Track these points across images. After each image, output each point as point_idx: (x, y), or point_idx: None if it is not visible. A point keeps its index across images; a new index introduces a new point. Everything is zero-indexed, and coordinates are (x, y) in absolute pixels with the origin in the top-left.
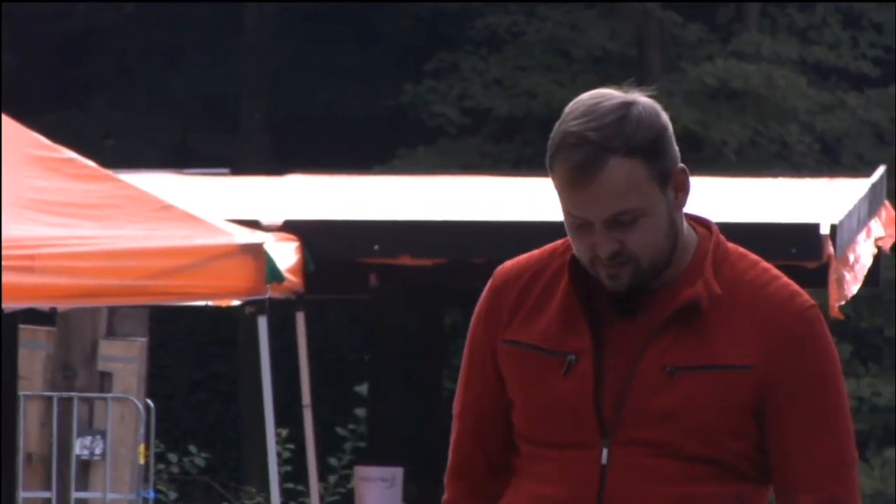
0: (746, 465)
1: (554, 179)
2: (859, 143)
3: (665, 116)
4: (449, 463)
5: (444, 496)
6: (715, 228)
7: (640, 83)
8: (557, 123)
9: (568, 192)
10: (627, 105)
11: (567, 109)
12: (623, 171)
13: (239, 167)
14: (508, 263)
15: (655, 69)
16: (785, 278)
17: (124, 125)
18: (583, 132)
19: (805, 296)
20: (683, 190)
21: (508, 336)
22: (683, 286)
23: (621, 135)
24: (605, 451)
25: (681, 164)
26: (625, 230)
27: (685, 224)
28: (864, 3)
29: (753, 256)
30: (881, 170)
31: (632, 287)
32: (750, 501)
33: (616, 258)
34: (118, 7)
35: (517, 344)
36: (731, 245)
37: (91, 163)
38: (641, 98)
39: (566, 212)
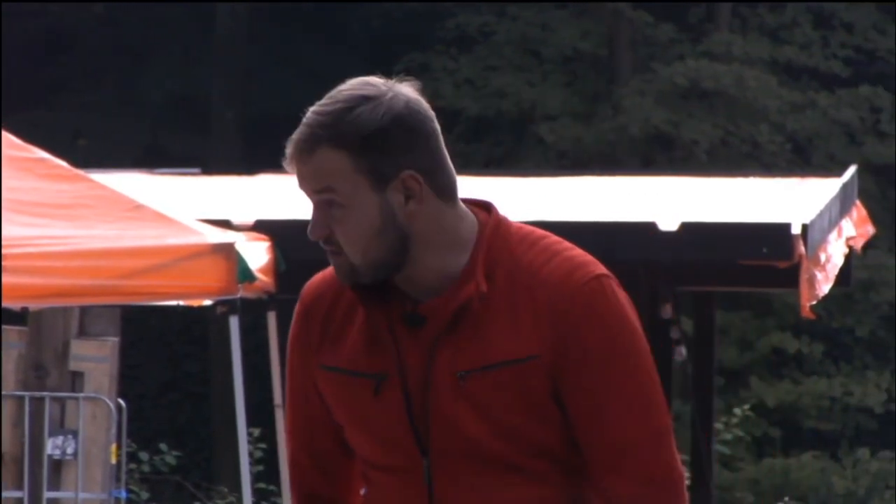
0: (571, 455)
1: None
2: (830, 143)
3: (406, 117)
4: (292, 485)
5: None
6: (495, 210)
7: (611, 83)
8: None
9: (290, 166)
10: (360, 99)
11: None
12: (327, 159)
13: (210, 167)
14: (312, 283)
15: (626, 69)
16: (568, 253)
17: (95, 125)
18: (310, 114)
19: (588, 267)
20: (416, 195)
21: (321, 361)
22: (462, 286)
23: (337, 125)
24: (425, 471)
25: (410, 172)
26: (332, 218)
27: (461, 224)
28: (834, 3)
29: (538, 234)
30: (852, 170)
31: (353, 281)
32: (587, 495)
33: (327, 244)
34: (88, 7)
35: (329, 368)
36: (515, 226)
37: (62, 163)
38: (394, 92)
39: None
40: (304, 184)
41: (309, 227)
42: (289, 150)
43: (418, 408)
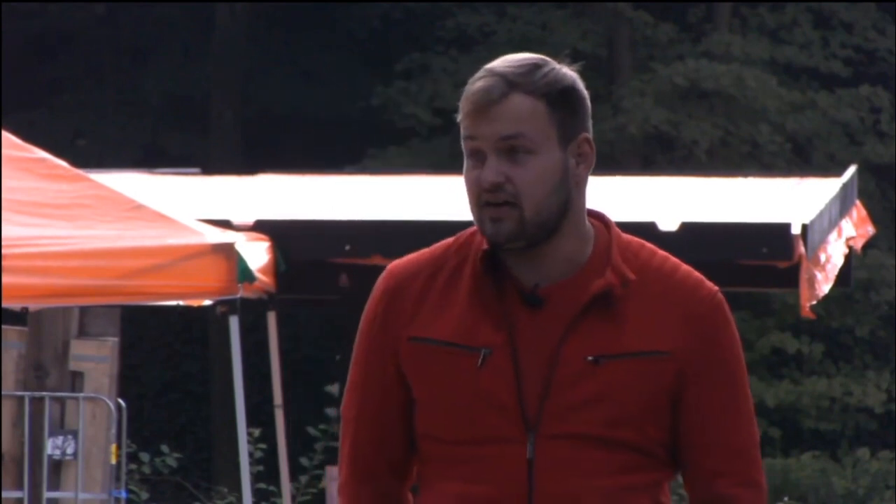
0: (663, 452)
1: (461, 115)
2: (830, 143)
3: (582, 87)
4: (346, 470)
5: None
6: (611, 221)
7: (611, 83)
8: None
9: (469, 115)
10: (545, 60)
11: None
12: (524, 105)
13: (210, 167)
14: (401, 263)
15: (626, 69)
16: (686, 265)
17: (95, 125)
18: (495, 67)
19: (710, 282)
20: (585, 161)
21: (414, 333)
22: (591, 276)
23: (531, 77)
24: (530, 446)
25: (587, 135)
26: (513, 164)
27: (587, 218)
28: (834, 3)
29: (651, 246)
30: (852, 169)
31: (512, 238)
32: (665, 488)
33: (499, 191)
34: (88, 7)
35: (425, 341)
36: (626, 236)
37: (62, 163)
38: (562, 66)
39: (464, 139)
40: (489, 128)
41: (482, 173)
42: (474, 98)
43: (530, 384)
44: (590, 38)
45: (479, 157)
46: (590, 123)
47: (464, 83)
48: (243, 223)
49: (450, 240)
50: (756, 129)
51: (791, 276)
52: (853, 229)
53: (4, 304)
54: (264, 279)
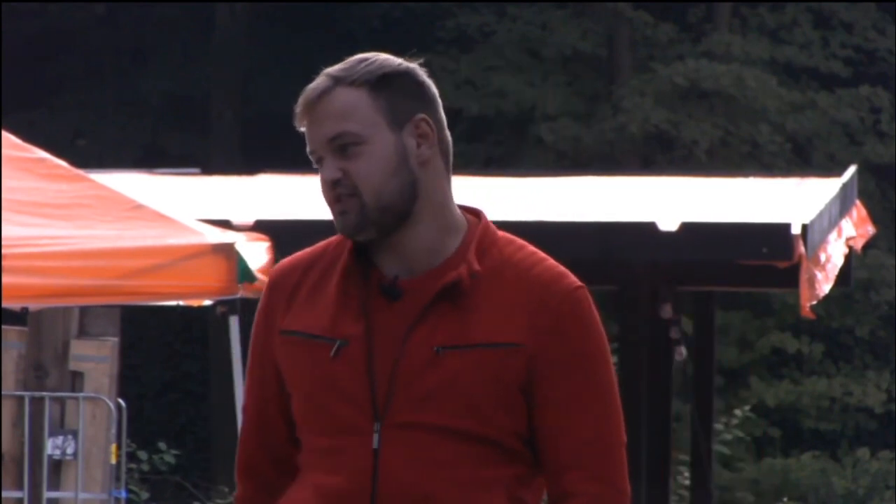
0: (519, 445)
1: (296, 121)
2: (830, 143)
3: (418, 73)
4: (236, 460)
5: (236, 493)
6: (484, 216)
7: (611, 83)
8: None
9: (299, 118)
10: (376, 55)
11: None
12: (345, 98)
13: (209, 167)
14: (285, 260)
15: (626, 69)
16: (552, 261)
17: (94, 125)
18: (326, 70)
19: (572, 277)
20: (427, 141)
21: (283, 326)
22: (448, 269)
23: (353, 70)
24: (376, 436)
25: (424, 115)
26: (347, 159)
27: (456, 211)
28: (834, 3)
29: (521, 242)
30: (852, 170)
31: (358, 231)
32: (527, 483)
33: (338, 187)
34: (89, 7)
35: (291, 333)
36: (501, 232)
37: (62, 163)
38: (404, 60)
39: (308, 151)
40: (318, 133)
41: (321, 174)
42: (301, 101)
43: (381, 374)
44: (590, 38)
45: (320, 161)
46: (435, 107)
47: (464, 83)
48: (243, 223)
49: (332, 238)
50: (756, 129)
51: (791, 276)
52: (853, 229)
53: (4, 304)
54: (264, 279)
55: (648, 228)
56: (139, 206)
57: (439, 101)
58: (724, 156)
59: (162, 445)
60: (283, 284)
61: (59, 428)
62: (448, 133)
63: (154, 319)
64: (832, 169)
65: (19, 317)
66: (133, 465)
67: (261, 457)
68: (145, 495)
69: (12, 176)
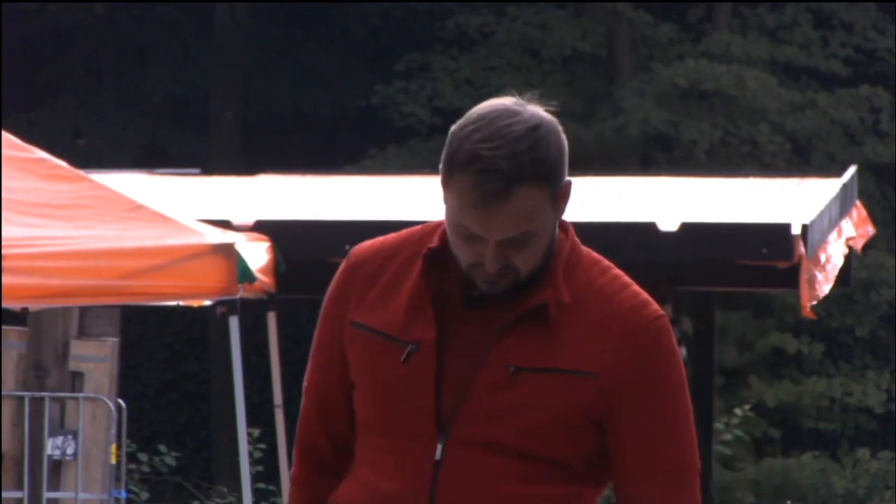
0: (581, 467)
1: (451, 191)
2: (830, 143)
3: (561, 131)
4: (296, 439)
5: (293, 471)
6: (571, 231)
7: (611, 83)
8: (457, 129)
9: (471, 211)
10: (535, 130)
11: (469, 121)
12: (529, 199)
13: (209, 167)
14: (364, 245)
15: (626, 69)
16: (635, 287)
17: (94, 125)
18: (494, 159)
19: (654, 305)
20: (566, 200)
21: (355, 318)
22: (536, 289)
23: (532, 164)
24: (439, 447)
25: (568, 178)
26: (516, 248)
27: None
28: (834, 3)
29: (606, 263)
30: (852, 170)
31: (507, 291)
32: (584, 502)
33: (501, 271)
34: (88, 7)
35: (362, 327)
36: (585, 250)
37: (62, 163)
38: (543, 116)
39: (459, 223)
40: (493, 225)
41: (484, 259)
42: (475, 199)
43: (450, 383)
44: (590, 38)
45: (476, 238)
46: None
47: (464, 83)
48: (243, 223)
49: (416, 228)
50: (756, 129)
51: (791, 277)
52: (853, 229)
53: (4, 304)
54: (264, 279)
55: (648, 229)
56: (139, 207)
57: None
58: (723, 156)
59: (162, 448)
60: (361, 271)
61: (59, 428)
62: None
63: (154, 319)
64: (832, 169)
65: (19, 317)
66: (133, 466)
67: (322, 438)
68: (145, 495)
69: (12, 176)
